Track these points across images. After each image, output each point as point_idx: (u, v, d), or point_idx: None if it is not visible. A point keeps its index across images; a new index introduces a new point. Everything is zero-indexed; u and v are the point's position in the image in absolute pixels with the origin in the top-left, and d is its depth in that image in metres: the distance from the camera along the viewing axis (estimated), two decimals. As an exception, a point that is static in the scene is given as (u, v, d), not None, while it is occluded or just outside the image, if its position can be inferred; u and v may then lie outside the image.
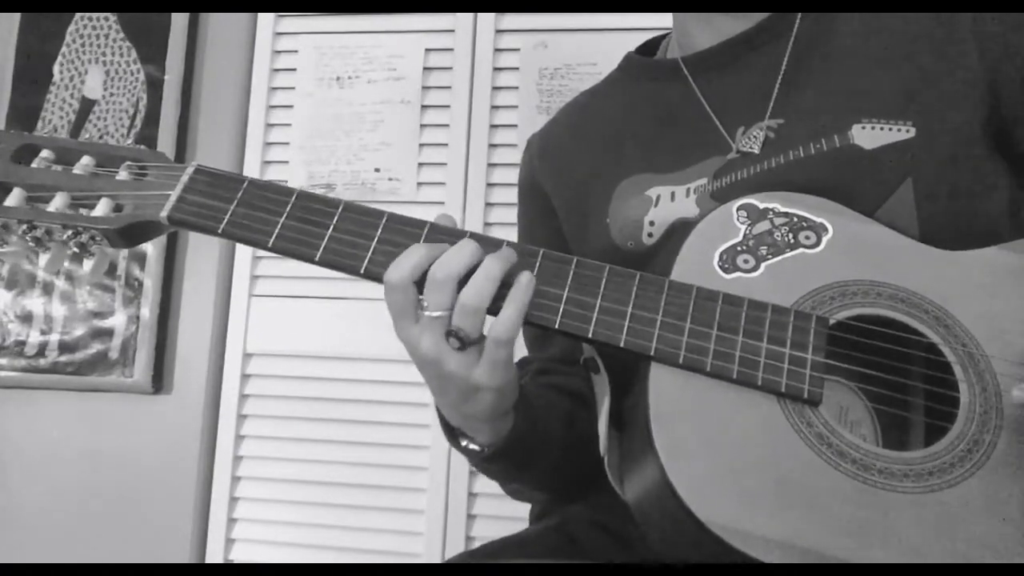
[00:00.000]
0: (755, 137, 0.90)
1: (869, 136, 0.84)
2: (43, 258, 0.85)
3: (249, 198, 0.82)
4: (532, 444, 0.89)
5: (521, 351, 1.05)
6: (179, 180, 0.83)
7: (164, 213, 0.82)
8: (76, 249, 0.85)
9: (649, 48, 1.12)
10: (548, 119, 1.16)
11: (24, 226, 0.83)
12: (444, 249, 0.76)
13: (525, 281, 0.75)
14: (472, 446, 0.87)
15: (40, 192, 0.84)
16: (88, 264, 0.86)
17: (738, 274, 0.79)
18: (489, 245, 0.78)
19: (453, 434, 0.88)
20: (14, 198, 0.84)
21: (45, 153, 0.87)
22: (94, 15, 2.16)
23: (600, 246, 0.95)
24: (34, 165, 0.86)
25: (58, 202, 0.84)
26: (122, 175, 0.85)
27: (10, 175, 0.85)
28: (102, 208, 0.83)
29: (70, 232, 0.83)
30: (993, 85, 0.85)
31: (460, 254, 0.75)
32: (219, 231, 0.81)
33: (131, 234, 0.84)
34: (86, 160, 0.86)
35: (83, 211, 0.84)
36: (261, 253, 2.07)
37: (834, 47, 0.92)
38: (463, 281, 0.75)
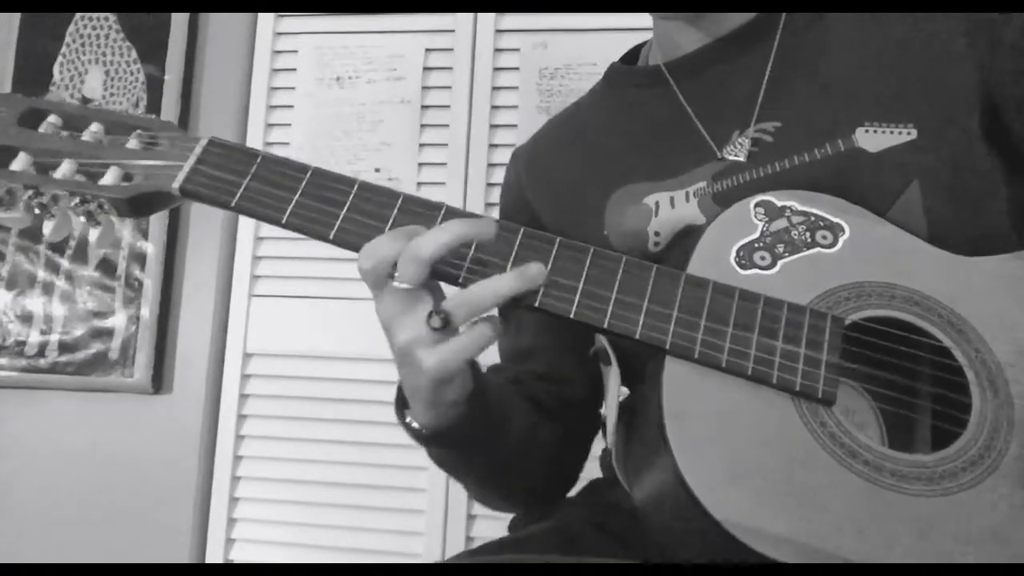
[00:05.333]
0: (740, 145, 0.90)
1: (873, 139, 0.84)
2: (48, 225, 0.83)
3: (263, 173, 0.81)
4: (478, 440, 0.88)
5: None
6: (192, 151, 0.81)
7: (176, 184, 0.80)
8: (83, 217, 0.82)
9: (633, 56, 1.11)
10: (548, 119, 1.15)
11: (29, 192, 0.81)
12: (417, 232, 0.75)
13: (533, 269, 0.75)
14: (414, 424, 0.85)
15: (46, 158, 0.82)
16: (95, 234, 0.84)
17: (755, 271, 0.78)
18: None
19: (402, 408, 0.87)
20: (19, 162, 0.81)
21: (52, 118, 0.84)
22: (94, 15, 2.16)
23: None
24: (41, 130, 0.84)
25: (65, 169, 0.81)
26: (132, 144, 0.83)
27: (16, 139, 0.82)
28: (111, 176, 0.81)
29: (77, 200, 0.81)
30: (987, 81, 0.85)
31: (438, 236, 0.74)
32: (232, 205, 0.80)
33: (140, 204, 0.82)
34: (95, 127, 0.84)
35: (91, 179, 0.82)
36: (261, 253, 2.07)
37: (824, 48, 0.91)
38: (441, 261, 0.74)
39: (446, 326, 0.73)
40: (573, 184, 1.01)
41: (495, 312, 0.77)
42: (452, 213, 0.79)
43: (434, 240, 0.73)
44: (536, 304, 0.76)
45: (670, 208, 0.91)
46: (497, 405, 0.90)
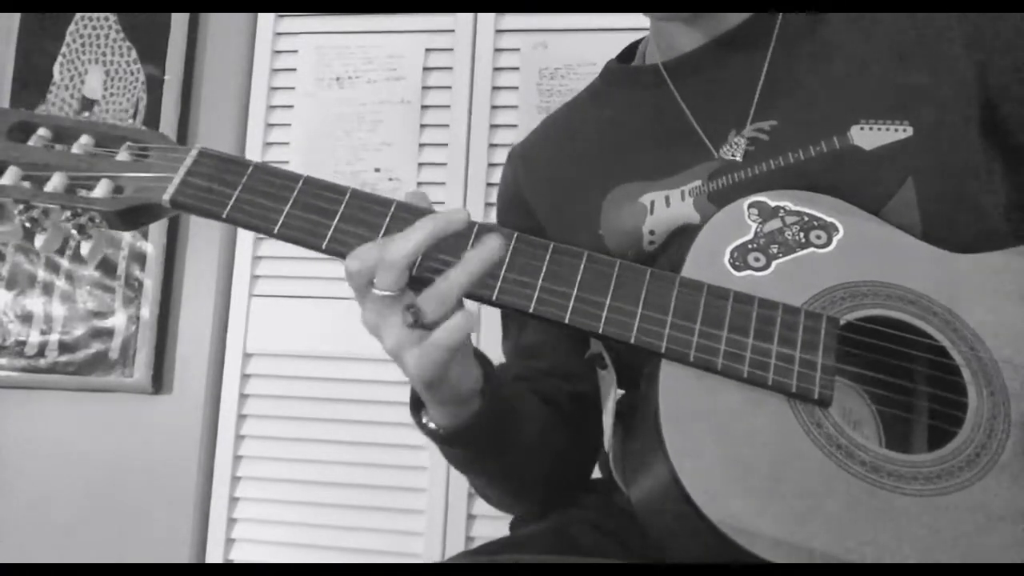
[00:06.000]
0: (736, 144, 0.90)
1: (868, 137, 0.84)
2: (39, 239, 0.82)
3: (254, 183, 0.80)
4: (494, 437, 0.87)
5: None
6: (182, 163, 0.81)
7: (167, 196, 0.79)
8: (74, 231, 0.82)
9: (629, 54, 1.10)
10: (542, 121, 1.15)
11: (20, 206, 0.80)
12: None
13: (491, 245, 0.73)
14: (431, 424, 0.85)
15: (37, 171, 0.81)
16: (86, 247, 0.83)
17: (749, 272, 0.78)
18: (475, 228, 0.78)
19: (417, 409, 0.87)
20: (9, 176, 0.80)
21: (42, 131, 0.84)
22: (94, 15, 2.16)
23: None
24: (30, 143, 0.83)
25: (55, 182, 0.80)
26: (122, 156, 0.83)
27: (5, 152, 0.82)
28: (101, 189, 0.80)
29: (68, 213, 0.80)
30: (983, 77, 0.85)
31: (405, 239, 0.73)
32: (223, 216, 0.79)
33: (131, 217, 0.81)
34: (85, 140, 0.84)
35: (82, 192, 0.81)
36: (261, 253, 2.07)
37: (821, 46, 0.91)
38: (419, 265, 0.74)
39: (417, 321, 0.72)
40: (569, 183, 1.01)
41: (471, 307, 0.76)
42: None
43: (404, 243, 0.72)
44: (531, 310, 0.76)
45: (665, 207, 0.91)
46: (513, 402, 0.90)
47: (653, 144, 0.96)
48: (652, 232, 0.91)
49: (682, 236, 0.88)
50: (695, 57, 0.97)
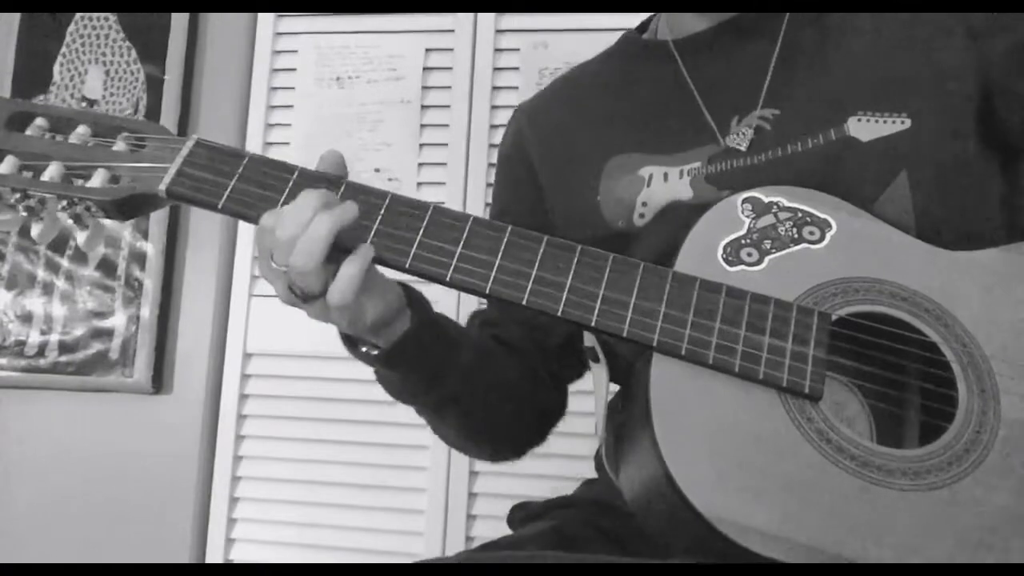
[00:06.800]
0: (743, 134, 0.90)
1: (865, 128, 0.85)
2: (35, 228, 0.83)
3: (250, 174, 0.81)
4: (428, 358, 0.90)
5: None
6: (179, 153, 0.81)
7: (162, 186, 0.80)
8: (71, 220, 0.82)
9: (648, 26, 1.11)
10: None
11: (17, 195, 0.81)
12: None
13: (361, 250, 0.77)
14: (363, 349, 0.89)
15: (34, 161, 0.82)
16: (82, 236, 0.85)
17: (741, 267, 0.79)
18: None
19: (352, 343, 0.90)
20: (6, 166, 0.81)
21: (39, 121, 0.85)
22: (94, 15, 2.17)
23: (589, 224, 0.95)
24: (28, 133, 0.84)
25: (52, 171, 0.81)
26: (119, 146, 0.83)
27: (2, 142, 0.82)
28: (98, 179, 0.81)
29: (65, 203, 0.81)
30: (983, 73, 0.86)
31: (297, 215, 0.75)
32: (219, 207, 0.80)
33: (128, 206, 0.82)
34: (82, 129, 0.84)
35: (78, 181, 0.82)
36: (261, 252, 2.07)
37: (827, 37, 0.92)
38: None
39: (306, 298, 0.78)
40: (573, 145, 1.02)
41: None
42: (440, 212, 0.80)
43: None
44: (524, 302, 0.77)
45: (663, 182, 0.92)
46: (448, 330, 0.93)
47: (658, 119, 0.97)
48: (644, 204, 0.92)
49: (669, 216, 0.89)
50: (705, 37, 0.97)
